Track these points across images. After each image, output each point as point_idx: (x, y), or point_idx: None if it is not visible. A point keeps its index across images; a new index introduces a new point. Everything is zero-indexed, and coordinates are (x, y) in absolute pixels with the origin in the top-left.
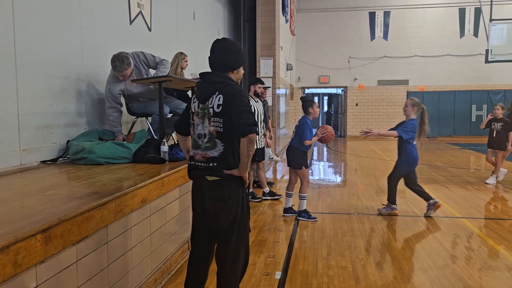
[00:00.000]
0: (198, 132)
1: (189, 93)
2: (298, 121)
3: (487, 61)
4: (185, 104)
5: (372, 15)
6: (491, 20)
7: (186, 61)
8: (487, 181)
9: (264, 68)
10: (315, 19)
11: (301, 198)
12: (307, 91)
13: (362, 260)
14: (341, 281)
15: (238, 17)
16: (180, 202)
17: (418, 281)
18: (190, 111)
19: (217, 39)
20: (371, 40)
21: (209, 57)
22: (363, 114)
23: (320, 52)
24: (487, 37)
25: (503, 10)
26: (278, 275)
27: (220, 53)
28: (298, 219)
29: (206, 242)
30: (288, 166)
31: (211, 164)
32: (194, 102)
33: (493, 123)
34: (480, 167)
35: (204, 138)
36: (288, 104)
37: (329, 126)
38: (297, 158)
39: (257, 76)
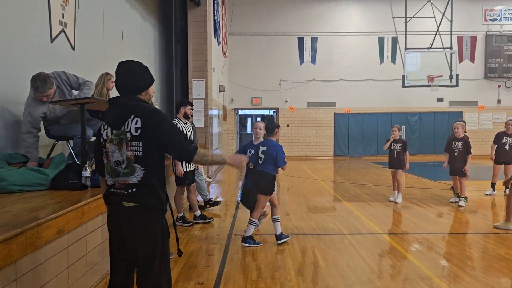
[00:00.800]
0: (115, 159)
1: None
2: (267, 145)
3: (404, 86)
4: None
5: (300, 40)
6: (406, 48)
7: (112, 82)
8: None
9: (196, 89)
10: (247, 42)
11: (274, 220)
12: (240, 112)
13: (290, 281)
14: None
15: (169, 38)
16: (103, 230)
17: None
18: (101, 139)
19: (121, 62)
20: (300, 64)
21: (115, 81)
22: (294, 135)
23: (252, 74)
24: (403, 64)
25: (416, 40)
26: None
27: (126, 76)
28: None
29: (126, 271)
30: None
31: (129, 190)
32: (105, 129)
33: (393, 144)
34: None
35: (122, 164)
36: (221, 125)
37: None
38: (269, 185)
39: (189, 97)
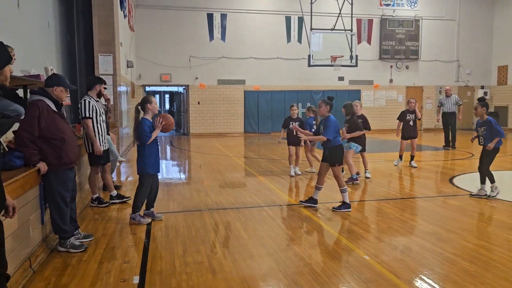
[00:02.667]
0: None
1: (21, 91)
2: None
3: (309, 65)
4: (15, 105)
5: (210, 17)
6: (311, 29)
7: (13, 55)
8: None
9: (103, 65)
10: (155, 16)
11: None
12: (148, 89)
13: (216, 253)
14: (199, 276)
15: (71, 8)
16: (19, 215)
17: (267, 265)
18: None
19: None
20: (210, 40)
21: None
22: (205, 112)
23: (161, 50)
24: (309, 44)
25: (320, 21)
26: (136, 279)
27: None
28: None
29: None
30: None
31: None
32: None
33: (291, 123)
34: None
35: None
36: (130, 102)
37: (166, 115)
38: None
39: (96, 72)
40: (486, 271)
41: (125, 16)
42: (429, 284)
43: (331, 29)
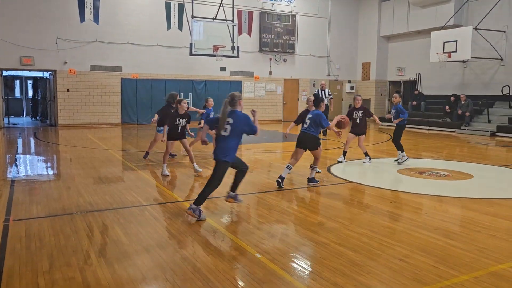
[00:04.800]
0: None
1: None
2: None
3: (191, 54)
4: None
5: None
6: (193, 17)
7: None
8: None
9: None
10: None
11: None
12: (5, 73)
13: (91, 265)
14: None
15: None
16: None
17: (152, 274)
18: None
19: None
20: (81, 22)
21: None
22: (76, 101)
23: (22, 30)
24: (190, 32)
25: (202, 9)
26: None
27: None
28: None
29: None
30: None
31: None
32: None
33: (178, 119)
34: (193, 150)
35: None
36: None
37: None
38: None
39: None
40: (369, 260)
41: None
42: (322, 280)
43: (213, 18)
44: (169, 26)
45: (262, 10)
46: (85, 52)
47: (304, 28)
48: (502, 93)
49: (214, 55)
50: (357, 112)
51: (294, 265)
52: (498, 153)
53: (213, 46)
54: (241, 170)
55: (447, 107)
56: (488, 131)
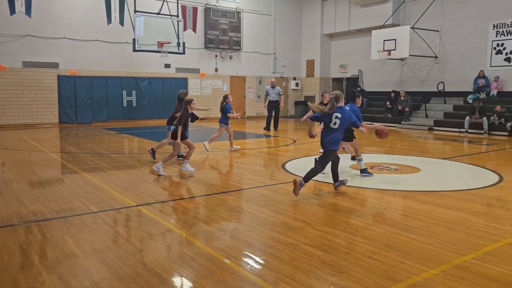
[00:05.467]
0: None
1: None
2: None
3: (134, 50)
4: None
5: None
6: (135, 11)
7: None
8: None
9: None
10: None
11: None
12: None
13: (44, 283)
14: None
15: None
16: None
17: (108, 283)
18: None
19: None
20: (11, 14)
21: None
22: (7, 100)
23: None
24: (133, 27)
25: (145, 3)
26: None
27: None
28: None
29: None
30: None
31: None
32: None
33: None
34: (140, 150)
35: None
36: None
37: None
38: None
39: None
40: (340, 259)
41: None
42: (296, 283)
43: (157, 13)
44: (109, 21)
45: (206, 6)
46: (17, 47)
47: (249, 25)
48: (438, 89)
49: (159, 51)
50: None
51: (265, 269)
52: (436, 146)
53: (158, 42)
54: (335, 161)
55: (387, 103)
56: (426, 126)
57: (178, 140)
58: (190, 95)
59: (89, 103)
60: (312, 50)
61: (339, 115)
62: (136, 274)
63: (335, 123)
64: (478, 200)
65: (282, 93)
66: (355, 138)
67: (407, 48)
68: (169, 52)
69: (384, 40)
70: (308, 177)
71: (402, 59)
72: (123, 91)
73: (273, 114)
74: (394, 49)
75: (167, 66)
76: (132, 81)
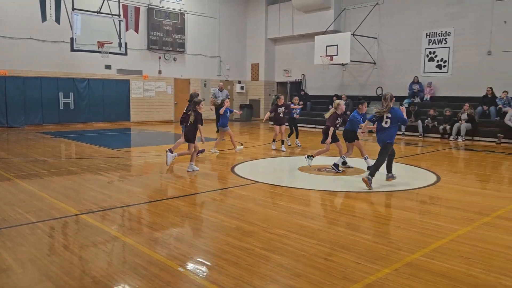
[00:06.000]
0: None
1: None
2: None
3: (73, 49)
4: None
5: None
6: (73, 9)
7: None
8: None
9: None
10: None
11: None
12: None
13: None
14: None
15: None
16: None
17: None
18: None
19: None
20: None
21: None
22: None
23: None
24: (71, 25)
25: (84, 1)
26: None
27: None
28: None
29: None
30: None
31: None
32: None
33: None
34: (80, 155)
35: None
36: None
37: None
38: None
39: None
40: (296, 262)
41: None
42: None
43: (97, 12)
44: (44, 18)
45: (149, 6)
46: None
47: (194, 27)
48: (376, 93)
49: (99, 52)
50: (280, 109)
51: (223, 276)
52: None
53: (98, 42)
54: (391, 154)
55: (330, 106)
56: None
57: (203, 138)
58: (132, 97)
59: (21, 105)
60: (257, 54)
61: (389, 115)
62: (84, 287)
63: (386, 122)
64: (420, 199)
65: (229, 96)
66: (357, 139)
67: (348, 54)
68: (110, 53)
69: (327, 46)
70: (374, 170)
71: (343, 65)
72: (60, 93)
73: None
74: (336, 55)
75: (108, 67)
76: (69, 82)
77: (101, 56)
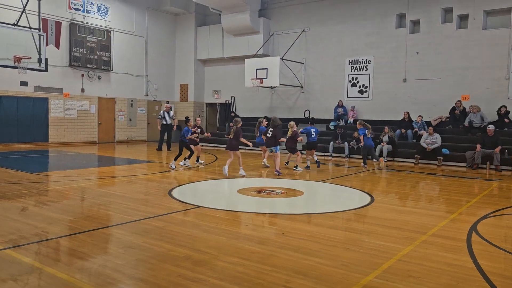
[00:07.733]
0: None
1: None
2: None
3: None
4: None
5: None
6: None
7: None
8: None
9: None
10: None
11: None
12: None
13: None
14: None
15: None
16: None
17: None
18: None
19: None
20: None
21: None
22: None
23: None
24: None
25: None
26: None
27: None
28: None
29: None
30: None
31: None
32: None
33: None
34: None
35: None
36: None
37: None
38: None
39: None
40: None
41: None
42: None
43: (13, 24)
44: None
45: (72, 21)
46: None
47: (120, 45)
48: (304, 116)
49: (16, 67)
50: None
51: None
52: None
53: (14, 56)
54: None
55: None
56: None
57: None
58: (51, 117)
59: None
60: (186, 75)
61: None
62: None
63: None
64: (361, 220)
65: (175, 117)
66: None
67: (277, 77)
68: (29, 69)
69: (257, 69)
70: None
71: (272, 87)
72: None
73: (165, 137)
74: (266, 78)
75: (24, 83)
76: None
77: (17, 72)
